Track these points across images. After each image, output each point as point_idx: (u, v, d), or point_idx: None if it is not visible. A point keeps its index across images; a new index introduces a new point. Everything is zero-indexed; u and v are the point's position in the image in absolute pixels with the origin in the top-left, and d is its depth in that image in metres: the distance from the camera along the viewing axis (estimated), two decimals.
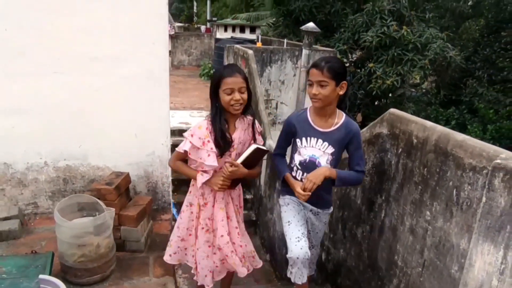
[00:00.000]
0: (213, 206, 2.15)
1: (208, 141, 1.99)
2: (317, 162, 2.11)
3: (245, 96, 1.99)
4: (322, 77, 1.96)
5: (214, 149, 1.98)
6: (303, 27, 6.44)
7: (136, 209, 2.66)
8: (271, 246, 4.45)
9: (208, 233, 2.17)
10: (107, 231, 2.33)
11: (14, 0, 2.46)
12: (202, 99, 8.88)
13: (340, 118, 2.10)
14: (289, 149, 2.32)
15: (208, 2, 17.02)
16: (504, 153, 1.54)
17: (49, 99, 2.72)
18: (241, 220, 2.32)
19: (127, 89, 2.85)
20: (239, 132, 2.07)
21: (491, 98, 12.45)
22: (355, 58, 10.18)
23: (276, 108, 7.25)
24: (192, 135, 2.00)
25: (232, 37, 12.17)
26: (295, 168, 2.19)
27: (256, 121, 2.18)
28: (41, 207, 2.96)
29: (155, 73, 2.88)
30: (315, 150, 2.11)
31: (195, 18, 25.28)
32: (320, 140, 2.09)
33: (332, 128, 2.08)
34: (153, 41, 2.81)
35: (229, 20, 14.82)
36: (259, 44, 8.68)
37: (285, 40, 9.44)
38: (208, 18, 15.60)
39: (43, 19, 2.53)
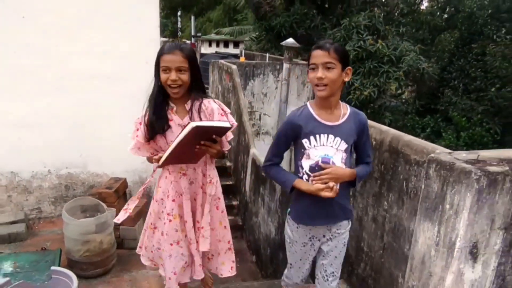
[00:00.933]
0: (180, 196, 2.02)
1: (140, 123, 1.92)
2: (331, 162, 1.78)
3: (184, 76, 1.82)
4: (328, 58, 1.67)
5: (142, 131, 1.90)
6: (283, 43, 6.84)
7: (134, 211, 2.96)
8: (256, 247, 4.76)
9: (175, 220, 2.03)
10: (109, 228, 2.63)
11: (22, 26, 2.78)
12: None
13: (346, 108, 1.83)
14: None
15: (192, 18, 17.46)
16: (438, 149, 1.91)
17: (52, 113, 3.03)
18: (215, 213, 2.13)
19: (123, 104, 3.16)
20: (190, 114, 1.89)
21: (465, 106, 13.09)
22: None
23: (260, 119, 7.61)
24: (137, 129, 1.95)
25: (216, 52, 12.56)
26: (304, 177, 1.82)
27: (213, 102, 1.99)
28: (44, 211, 3.24)
29: (147, 88, 3.21)
30: (327, 149, 1.78)
31: (179, 33, 25.70)
32: (331, 136, 1.77)
33: (341, 121, 1.78)
34: (146, 61, 3.15)
35: (213, 36, 15.24)
36: (242, 59, 9.06)
37: (267, 55, 9.88)
38: (192, 33, 16.02)
39: (49, 43, 2.85)
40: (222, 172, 5.41)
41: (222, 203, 2.16)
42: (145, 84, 3.17)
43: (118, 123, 3.21)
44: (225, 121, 1.86)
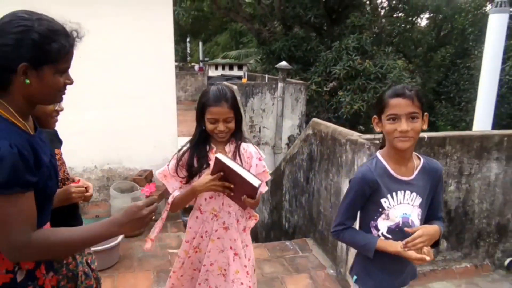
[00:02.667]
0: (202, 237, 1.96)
1: (175, 158, 1.93)
2: (410, 221, 1.62)
3: (231, 125, 1.84)
4: (413, 107, 1.52)
5: (173, 165, 1.91)
6: (277, 65, 8.02)
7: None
8: (255, 232, 5.81)
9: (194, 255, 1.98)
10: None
11: (80, 61, 3.97)
12: None
13: (418, 159, 1.68)
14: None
15: (200, 44, 18.87)
16: (354, 134, 3.00)
17: (98, 123, 4.18)
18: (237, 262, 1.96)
19: (149, 115, 4.32)
20: (233, 157, 1.89)
21: (454, 117, 14.08)
22: (329, 88, 11.81)
23: (260, 131, 8.74)
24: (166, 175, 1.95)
25: (222, 75, 13.84)
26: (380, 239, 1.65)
27: (252, 146, 1.98)
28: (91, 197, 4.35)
29: (167, 104, 4.37)
30: (405, 207, 1.63)
31: (188, 58, 27.26)
32: (407, 192, 1.62)
33: (415, 174, 1.63)
34: (165, 83, 4.31)
35: (219, 60, 16.62)
36: (244, 80, 10.25)
37: (267, 76, 11.08)
38: (200, 58, 17.35)
39: (98, 72, 4.03)
40: None
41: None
42: (163, 102, 4.32)
43: (144, 130, 4.35)
44: (255, 177, 1.74)
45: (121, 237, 3.31)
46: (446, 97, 15.11)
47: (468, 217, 3.37)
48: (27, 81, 1.17)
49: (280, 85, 7.75)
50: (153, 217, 1.30)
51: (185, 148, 1.94)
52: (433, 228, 1.57)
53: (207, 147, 1.91)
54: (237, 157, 1.90)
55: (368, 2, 16.00)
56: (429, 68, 16.44)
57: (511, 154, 3.32)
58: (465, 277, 3.38)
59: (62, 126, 3.78)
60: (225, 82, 8.71)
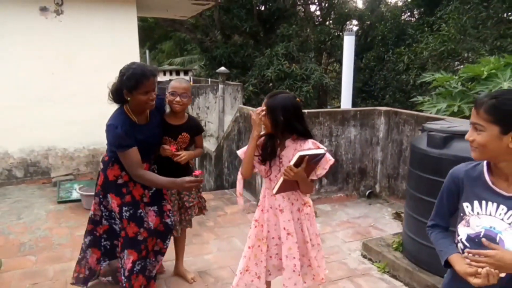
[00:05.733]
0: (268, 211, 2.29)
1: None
2: (498, 238, 1.38)
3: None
4: (476, 118, 1.37)
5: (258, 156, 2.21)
6: (217, 70, 9.78)
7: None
8: None
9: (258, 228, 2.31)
10: None
11: (71, 71, 5.51)
12: None
13: None
14: None
15: (147, 52, 20.20)
16: (245, 109, 4.84)
17: (86, 116, 5.72)
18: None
19: None
20: (287, 151, 2.15)
21: None
22: (265, 89, 13.77)
23: (205, 125, 10.46)
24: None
25: (170, 80, 15.35)
26: (459, 246, 1.51)
27: (310, 141, 2.18)
28: (81, 170, 5.88)
29: None
30: (495, 221, 1.39)
31: None
32: (502, 207, 1.39)
33: None
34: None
35: (166, 67, 18.09)
36: (190, 84, 11.95)
37: (210, 79, 12.85)
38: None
39: (83, 79, 5.59)
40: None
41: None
42: None
43: None
44: (320, 150, 2.08)
45: None
46: (370, 95, 17.47)
47: (339, 163, 5.31)
48: (129, 99, 2.50)
49: (220, 86, 9.51)
50: (197, 188, 2.73)
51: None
52: (508, 256, 1.28)
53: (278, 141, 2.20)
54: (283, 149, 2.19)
55: (300, 12, 18.27)
56: (357, 70, 18.80)
57: (363, 123, 5.31)
58: (339, 202, 5.31)
59: (58, 118, 5.36)
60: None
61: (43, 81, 5.55)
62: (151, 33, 21.66)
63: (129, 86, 2.44)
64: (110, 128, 2.49)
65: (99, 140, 5.88)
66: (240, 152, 2.33)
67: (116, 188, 2.65)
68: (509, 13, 10.09)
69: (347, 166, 5.36)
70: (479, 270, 1.29)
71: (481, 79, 4.28)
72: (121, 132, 2.44)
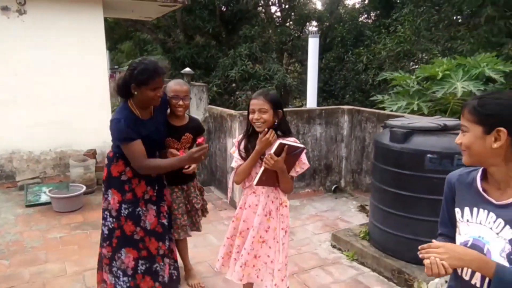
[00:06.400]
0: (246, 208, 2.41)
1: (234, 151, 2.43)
2: (485, 248, 1.31)
3: (265, 116, 2.24)
4: (462, 120, 1.35)
5: (237, 155, 2.39)
6: (182, 71, 9.78)
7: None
8: None
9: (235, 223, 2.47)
10: (91, 168, 5.32)
11: (34, 74, 5.42)
12: None
13: None
14: None
15: (107, 52, 19.75)
16: (231, 111, 4.98)
17: (51, 117, 5.63)
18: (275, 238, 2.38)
19: (90, 109, 5.87)
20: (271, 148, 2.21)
21: None
22: (229, 89, 13.88)
23: None
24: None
25: None
26: None
27: (292, 138, 2.30)
28: (48, 173, 5.78)
29: (103, 102, 5.96)
30: (484, 230, 1.33)
31: None
32: (492, 214, 1.32)
33: (510, 200, 1.29)
34: (101, 85, 5.91)
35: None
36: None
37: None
38: (109, 66, 18.27)
39: (50, 80, 5.51)
40: None
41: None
42: (100, 99, 5.91)
43: (87, 120, 5.89)
44: (300, 144, 2.20)
45: (83, 190, 4.90)
46: (330, 94, 17.94)
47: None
48: (136, 93, 2.48)
49: None
50: (205, 156, 2.43)
51: (240, 136, 2.48)
52: (464, 251, 1.27)
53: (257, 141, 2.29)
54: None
55: (261, 13, 18.49)
56: (318, 70, 19.25)
57: (328, 121, 5.56)
58: (307, 197, 5.54)
59: (25, 120, 5.26)
60: None
61: (6, 82, 5.42)
62: (111, 33, 21.16)
63: (139, 80, 2.45)
64: (114, 122, 2.50)
65: (66, 143, 5.81)
66: (235, 164, 2.42)
67: (119, 184, 2.66)
68: (459, 17, 10.74)
69: (314, 162, 5.59)
70: (426, 261, 1.27)
71: (436, 79, 4.62)
72: (124, 125, 2.46)
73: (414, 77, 5.19)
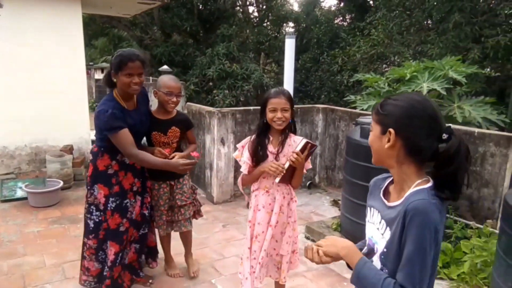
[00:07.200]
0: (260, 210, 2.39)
1: (243, 146, 2.39)
2: (375, 248, 1.34)
3: (287, 114, 2.23)
4: (375, 116, 1.33)
5: (247, 160, 2.32)
6: (160, 69, 9.85)
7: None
8: None
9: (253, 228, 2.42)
10: (68, 164, 5.33)
11: (14, 71, 5.39)
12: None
13: (419, 187, 1.23)
14: None
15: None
16: (210, 108, 5.09)
17: (27, 112, 5.60)
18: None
19: (67, 105, 5.86)
20: (281, 146, 2.28)
21: None
22: (206, 88, 13.94)
23: None
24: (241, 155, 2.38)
25: None
26: None
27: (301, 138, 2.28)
28: (23, 169, 5.74)
29: (80, 97, 5.96)
30: (374, 231, 1.35)
31: None
32: (379, 216, 1.33)
33: (396, 203, 1.26)
34: (78, 80, 5.91)
35: (104, 64, 17.59)
36: None
37: (151, 78, 12.78)
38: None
39: (26, 74, 5.48)
40: None
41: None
42: (77, 95, 5.91)
43: (63, 116, 5.87)
44: (314, 143, 2.23)
45: (60, 185, 4.91)
46: (306, 95, 18.18)
47: None
48: (115, 80, 2.55)
49: None
50: (190, 170, 2.60)
51: (245, 140, 2.43)
52: (343, 243, 1.30)
53: (266, 140, 2.32)
54: (283, 146, 2.30)
55: (239, 13, 18.62)
56: (294, 70, 19.44)
57: (303, 119, 5.74)
58: None
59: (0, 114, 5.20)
60: None
61: None
62: (85, 29, 20.86)
63: (115, 66, 2.52)
64: (100, 113, 2.53)
65: (41, 138, 5.78)
66: (244, 169, 2.37)
67: (105, 178, 2.70)
68: (429, 22, 11.15)
69: None
70: (309, 251, 1.38)
71: (405, 80, 4.86)
72: (111, 115, 2.49)
73: (384, 78, 5.43)
